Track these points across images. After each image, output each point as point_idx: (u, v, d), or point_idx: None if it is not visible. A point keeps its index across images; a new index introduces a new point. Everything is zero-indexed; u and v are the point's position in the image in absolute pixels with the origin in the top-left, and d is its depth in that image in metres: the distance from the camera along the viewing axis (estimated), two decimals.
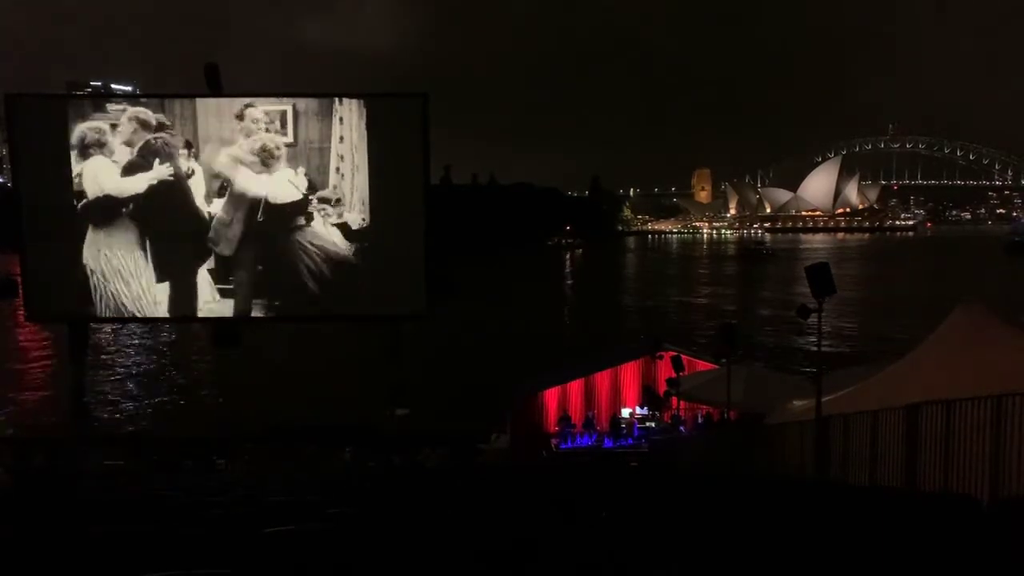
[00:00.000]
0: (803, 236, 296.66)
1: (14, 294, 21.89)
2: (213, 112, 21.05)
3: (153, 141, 21.08)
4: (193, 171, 21.15)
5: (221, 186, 21.25)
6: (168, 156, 21.14)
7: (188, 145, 21.10)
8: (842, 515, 7.95)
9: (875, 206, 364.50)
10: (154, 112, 21.03)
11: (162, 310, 21.65)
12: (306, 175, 21.32)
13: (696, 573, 5.58)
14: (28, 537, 6.57)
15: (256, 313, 22.03)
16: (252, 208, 21.36)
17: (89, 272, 21.42)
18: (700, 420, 25.39)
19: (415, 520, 7.58)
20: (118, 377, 46.35)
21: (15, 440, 24.92)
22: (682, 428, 24.98)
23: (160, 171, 21.17)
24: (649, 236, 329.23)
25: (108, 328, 56.87)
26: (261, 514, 7.92)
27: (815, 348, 14.57)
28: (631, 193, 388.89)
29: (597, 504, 9.02)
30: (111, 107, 21.32)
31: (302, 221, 21.46)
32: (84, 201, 21.12)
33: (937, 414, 9.50)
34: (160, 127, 21.06)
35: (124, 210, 21.24)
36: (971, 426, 8.86)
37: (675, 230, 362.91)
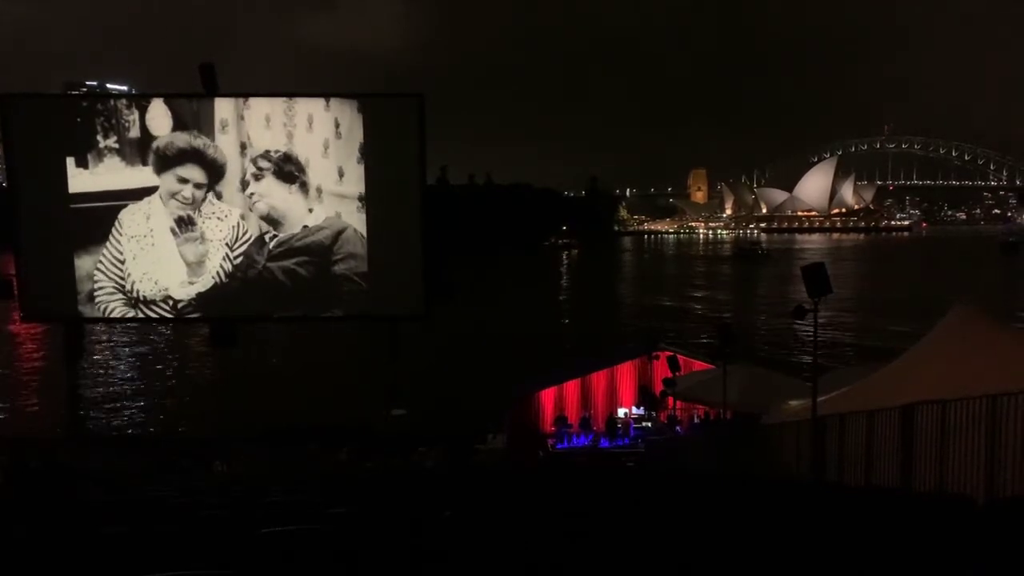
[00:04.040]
0: (799, 236, 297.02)
1: (10, 294, 21.85)
2: (213, 113, 21.01)
3: (152, 141, 21.05)
4: (190, 171, 21.11)
5: (219, 186, 21.21)
6: (166, 156, 21.11)
7: (185, 156, 21.05)
8: (838, 515, 7.98)
9: (871, 206, 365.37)
10: (154, 112, 20.99)
11: (159, 310, 21.62)
12: (303, 175, 21.30)
13: (693, 573, 5.60)
14: (26, 538, 6.57)
15: (253, 313, 22.02)
16: (250, 209, 21.34)
17: (85, 272, 21.39)
18: (696, 420, 25.43)
19: (411, 521, 7.59)
20: (115, 377, 46.23)
21: (11, 440, 24.85)
22: (678, 428, 25.02)
23: (158, 171, 21.13)
24: (645, 236, 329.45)
25: (104, 327, 56.72)
26: (259, 514, 7.93)
27: (811, 348, 14.60)
28: (627, 193, 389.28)
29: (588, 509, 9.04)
30: (108, 107, 21.28)
31: (299, 221, 21.45)
32: (80, 201, 21.07)
33: (932, 414, 9.54)
34: (159, 128, 21.02)
35: (120, 210, 21.21)
36: (966, 426, 8.90)
37: (671, 230, 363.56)
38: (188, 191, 21.09)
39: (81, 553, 5.87)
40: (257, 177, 21.16)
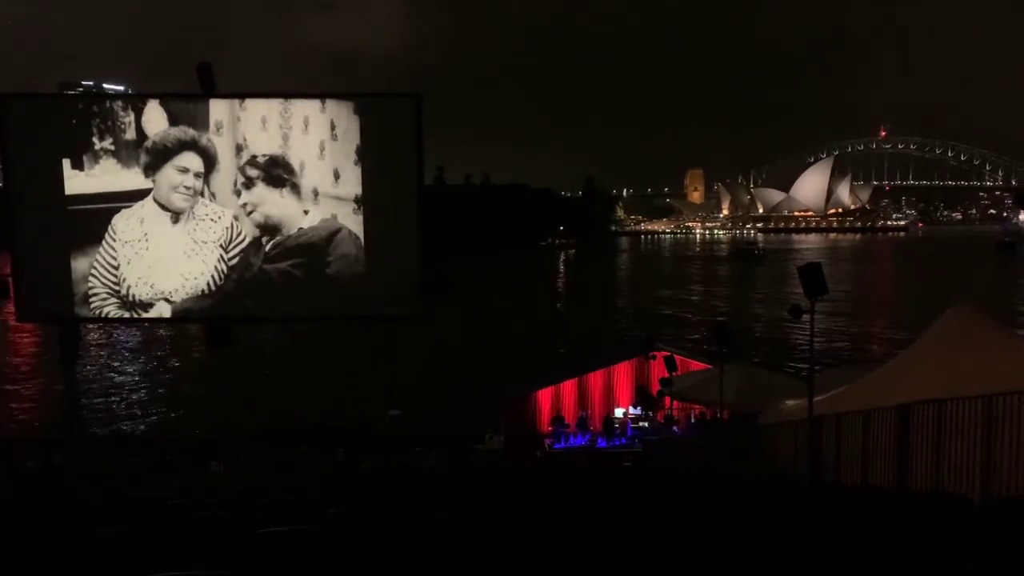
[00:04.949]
0: (795, 236, 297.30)
1: (6, 294, 21.82)
2: (208, 115, 20.99)
3: (149, 142, 21.03)
4: (190, 159, 21.09)
5: (213, 185, 21.20)
6: (165, 148, 21.08)
7: (184, 146, 21.04)
8: (835, 515, 8.00)
9: (867, 206, 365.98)
10: (150, 115, 20.96)
11: (155, 311, 21.60)
12: (293, 177, 21.29)
13: (691, 573, 5.61)
14: (25, 539, 6.56)
15: (251, 313, 22.00)
16: (246, 209, 21.33)
17: (81, 274, 21.36)
18: (693, 420, 25.45)
19: (410, 521, 7.60)
20: (112, 377, 46.16)
21: (9, 441, 24.81)
22: (675, 428, 25.04)
23: (155, 167, 21.11)
24: (642, 236, 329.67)
25: (102, 328, 56.67)
26: (257, 515, 7.93)
27: (807, 348, 14.61)
28: (624, 193, 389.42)
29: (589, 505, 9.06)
30: (104, 108, 21.26)
31: (295, 224, 21.44)
32: (76, 203, 21.04)
33: (928, 414, 9.57)
34: (155, 130, 21.00)
35: (115, 214, 21.17)
36: (962, 426, 8.93)
37: (668, 230, 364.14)
38: (190, 180, 21.03)
39: (80, 554, 5.87)
40: (248, 186, 21.12)
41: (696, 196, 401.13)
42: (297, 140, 21.13)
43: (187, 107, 21.06)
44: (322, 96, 21.36)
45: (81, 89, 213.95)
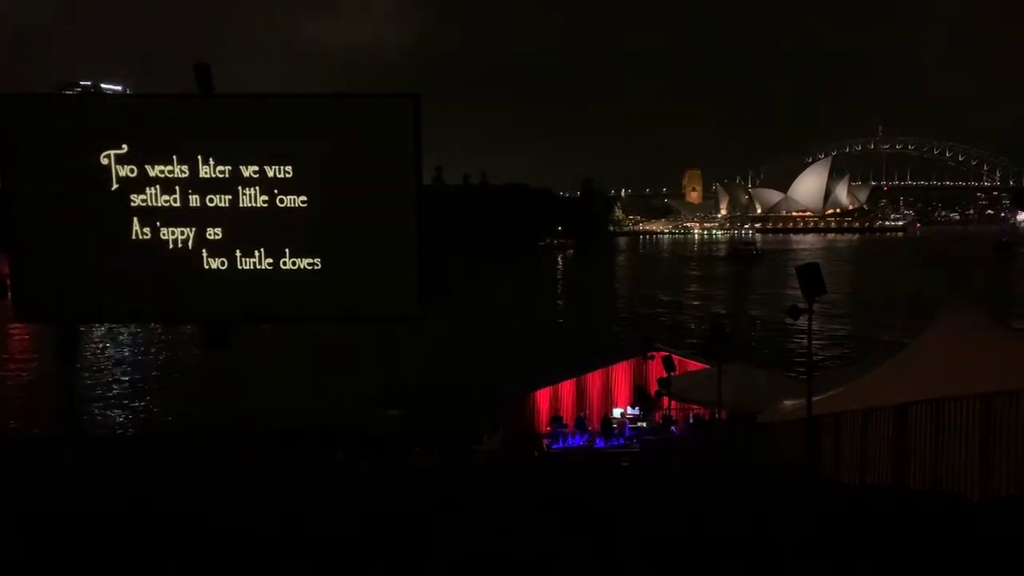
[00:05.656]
0: (793, 236, 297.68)
1: (3, 294, 21.79)
2: (210, 113, 20.98)
3: (150, 140, 21.00)
4: (188, 169, 21.05)
5: (216, 187, 21.18)
6: (164, 153, 21.05)
7: (185, 144, 21.01)
8: (833, 514, 8.02)
9: (865, 207, 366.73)
10: (149, 111, 20.94)
11: (155, 310, 21.57)
12: (298, 176, 21.26)
13: (688, 572, 5.63)
14: (25, 539, 6.57)
15: (246, 314, 21.95)
16: (239, 210, 21.30)
17: (80, 271, 21.33)
18: (691, 420, 25.50)
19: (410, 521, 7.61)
20: (110, 377, 46.15)
21: (8, 441, 24.81)
22: (673, 428, 25.08)
23: (154, 168, 21.09)
24: (640, 236, 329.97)
25: (99, 327, 56.66)
26: (256, 515, 7.94)
27: (805, 348, 14.65)
28: (622, 194, 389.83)
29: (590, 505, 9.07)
30: (105, 107, 21.24)
31: (291, 224, 21.41)
32: (76, 199, 21.01)
33: (926, 413, 9.60)
34: (157, 125, 20.98)
35: (117, 209, 21.14)
36: (960, 425, 8.96)
37: (666, 231, 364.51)
38: (189, 182, 20.97)
39: (79, 554, 5.88)
40: (249, 183, 21.07)
41: (694, 196, 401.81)
42: (295, 140, 21.07)
43: (185, 107, 21.04)
44: (321, 96, 21.34)
45: (79, 89, 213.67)
